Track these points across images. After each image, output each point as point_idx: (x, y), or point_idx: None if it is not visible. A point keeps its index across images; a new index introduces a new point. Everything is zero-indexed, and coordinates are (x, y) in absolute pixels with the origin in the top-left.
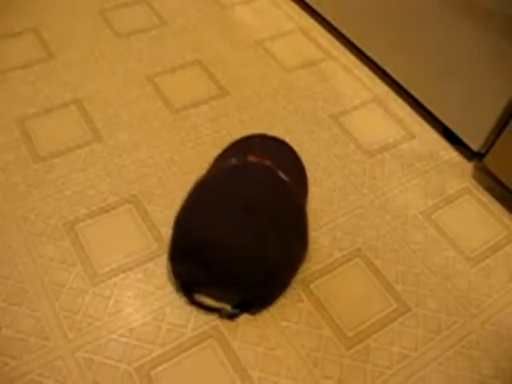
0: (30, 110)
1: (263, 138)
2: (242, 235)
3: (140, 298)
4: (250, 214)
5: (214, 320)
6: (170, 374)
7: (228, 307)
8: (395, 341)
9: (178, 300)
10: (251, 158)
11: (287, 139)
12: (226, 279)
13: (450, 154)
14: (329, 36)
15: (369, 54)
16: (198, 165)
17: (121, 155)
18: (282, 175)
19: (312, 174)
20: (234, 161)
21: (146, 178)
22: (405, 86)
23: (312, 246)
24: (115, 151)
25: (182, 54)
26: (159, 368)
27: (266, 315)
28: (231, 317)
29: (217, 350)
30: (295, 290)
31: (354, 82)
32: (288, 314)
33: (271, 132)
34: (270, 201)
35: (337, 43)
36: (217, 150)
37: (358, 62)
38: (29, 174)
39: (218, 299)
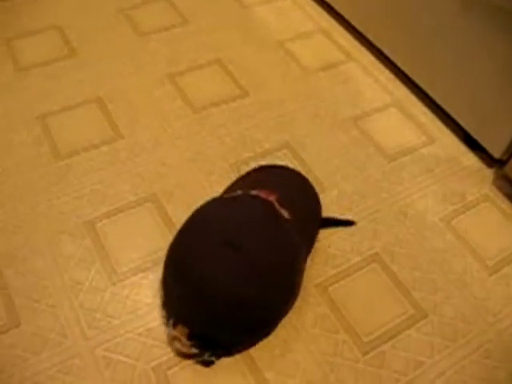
0: (52, 107)
1: (279, 169)
2: (222, 273)
3: (158, 297)
4: (233, 251)
5: None
6: (187, 375)
7: (208, 355)
8: (411, 347)
9: None
10: (255, 192)
11: (306, 141)
12: (198, 315)
13: (470, 159)
14: (350, 37)
15: (390, 56)
16: (218, 165)
17: (141, 154)
18: (285, 213)
19: (330, 177)
20: (237, 192)
21: (165, 177)
22: (426, 89)
23: (330, 250)
24: (135, 150)
25: (202, 53)
26: (176, 368)
27: (284, 320)
28: (207, 364)
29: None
30: (312, 293)
31: (374, 84)
32: (305, 317)
33: (291, 134)
34: (263, 241)
35: (358, 45)
36: (236, 152)
37: (379, 65)
38: (50, 172)
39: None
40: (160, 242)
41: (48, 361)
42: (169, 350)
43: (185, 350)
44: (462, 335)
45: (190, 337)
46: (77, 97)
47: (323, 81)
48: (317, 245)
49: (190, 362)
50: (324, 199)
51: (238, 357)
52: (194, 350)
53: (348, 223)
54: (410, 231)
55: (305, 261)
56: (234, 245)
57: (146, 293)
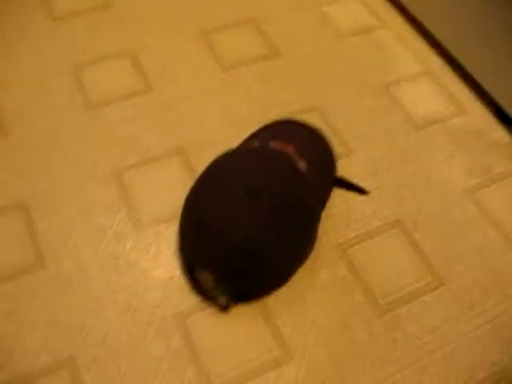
0: (85, 58)
1: (297, 125)
2: (240, 221)
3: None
4: (250, 199)
5: None
6: (205, 323)
7: (223, 299)
8: (427, 313)
9: None
10: (273, 144)
11: (335, 105)
12: (218, 263)
13: (499, 133)
14: (385, 3)
15: (425, 24)
16: (246, 123)
17: (171, 108)
18: (302, 165)
19: (358, 142)
20: (254, 144)
21: (194, 132)
22: (459, 59)
23: (352, 213)
24: (166, 104)
25: (236, 10)
26: (195, 316)
27: (300, 276)
28: (225, 308)
29: (252, 306)
30: (331, 255)
31: (408, 52)
32: (322, 277)
33: (321, 97)
34: (278, 190)
35: (393, 11)
36: (265, 111)
37: (413, 32)
38: (81, 120)
39: (215, 285)
40: (185, 195)
41: (70, 302)
42: (189, 298)
43: (207, 289)
44: (478, 305)
45: (214, 280)
46: (110, 48)
47: (356, 46)
48: (338, 208)
49: (209, 311)
50: (350, 163)
51: (255, 309)
52: (214, 293)
53: (361, 191)
54: (433, 200)
55: (321, 212)
56: (251, 193)
57: (168, 243)
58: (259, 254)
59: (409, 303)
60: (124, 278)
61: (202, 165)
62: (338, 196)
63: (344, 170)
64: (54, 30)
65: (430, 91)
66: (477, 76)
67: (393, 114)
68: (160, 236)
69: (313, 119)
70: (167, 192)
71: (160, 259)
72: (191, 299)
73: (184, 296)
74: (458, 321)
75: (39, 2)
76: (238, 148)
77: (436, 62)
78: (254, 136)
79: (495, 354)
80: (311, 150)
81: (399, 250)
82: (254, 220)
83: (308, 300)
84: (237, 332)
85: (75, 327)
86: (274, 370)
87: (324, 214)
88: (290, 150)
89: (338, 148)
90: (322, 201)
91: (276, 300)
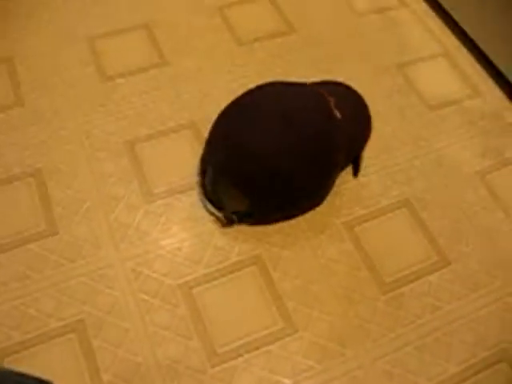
0: (100, 30)
1: (339, 85)
2: (267, 136)
3: (191, 220)
4: (286, 124)
5: (257, 249)
6: (210, 294)
7: (228, 213)
8: (431, 292)
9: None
10: (314, 87)
11: (350, 82)
12: (235, 175)
13: None
14: None
15: (443, 4)
16: None
17: (185, 81)
18: (336, 113)
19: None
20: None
21: (207, 106)
22: (477, 41)
23: (362, 191)
24: (180, 77)
25: None
26: (201, 287)
27: (308, 252)
28: (228, 222)
29: (257, 276)
30: (339, 230)
31: (424, 32)
32: (329, 252)
33: (334, 74)
34: (310, 125)
35: None
36: None
37: (431, 13)
38: (95, 92)
39: (224, 197)
40: (196, 169)
41: (81, 268)
42: (196, 269)
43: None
44: (483, 286)
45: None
46: (126, 21)
47: (373, 24)
48: (349, 185)
49: (215, 282)
50: None
51: (261, 282)
52: (222, 205)
53: (355, 172)
54: (443, 181)
55: (342, 167)
56: (283, 120)
57: (179, 214)
58: (274, 172)
59: (413, 282)
60: (133, 247)
61: None
62: (349, 173)
63: None
64: (69, 2)
65: (445, 72)
66: (494, 58)
67: (407, 94)
68: (170, 207)
69: None
70: (178, 164)
71: (169, 230)
72: (198, 270)
73: (191, 267)
74: (461, 301)
75: None
76: (281, 81)
77: (454, 43)
78: None
79: (498, 335)
80: (349, 110)
81: (406, 230)
82: (280, 142)
83: (313, 274)
84: (242, 304)
85: (85, 293)
86: (278, 341)
87: (335, 190)
88: (329, 98)
89: None
90: (347, 154)
91: (282, 274)
